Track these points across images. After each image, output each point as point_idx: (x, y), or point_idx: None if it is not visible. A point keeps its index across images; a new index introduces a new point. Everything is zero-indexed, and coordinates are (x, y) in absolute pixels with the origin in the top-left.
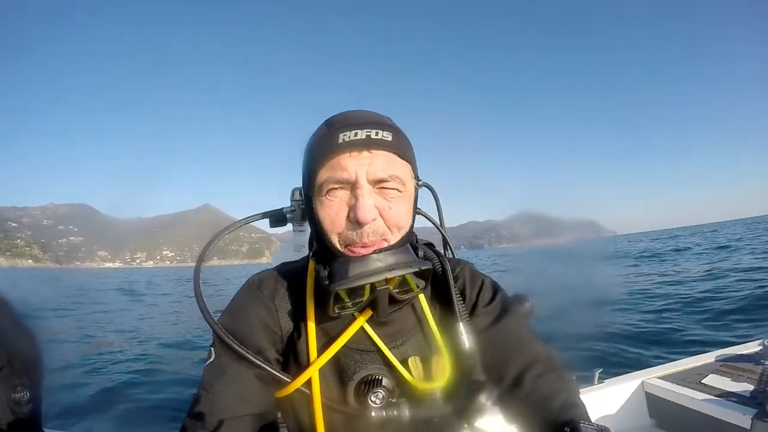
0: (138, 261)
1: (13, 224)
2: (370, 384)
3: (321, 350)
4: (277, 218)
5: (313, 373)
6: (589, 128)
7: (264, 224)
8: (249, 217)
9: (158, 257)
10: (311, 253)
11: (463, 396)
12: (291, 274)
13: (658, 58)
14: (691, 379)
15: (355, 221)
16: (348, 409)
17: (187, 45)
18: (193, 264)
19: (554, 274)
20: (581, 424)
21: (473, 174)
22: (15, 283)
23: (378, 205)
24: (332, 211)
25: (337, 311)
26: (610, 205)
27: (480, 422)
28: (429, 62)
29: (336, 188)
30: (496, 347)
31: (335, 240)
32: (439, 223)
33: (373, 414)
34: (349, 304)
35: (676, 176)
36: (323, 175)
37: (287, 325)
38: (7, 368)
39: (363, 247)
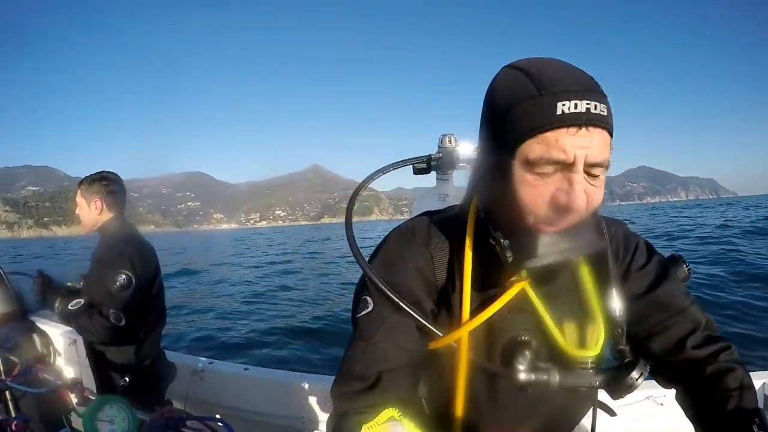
0: (252, 221)
1: (134, 194)
2: (518, 345)
3: (476, 309)
4: (423, 166)
5: (465, 332)
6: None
7: (373, 182)
8: (396, 162)
9: (271, 217)
10: (482, 214)
11: (613, 368)
12: (444, 224)
13: None
14: None
15: (563, 207)
16: (494, 368)
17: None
18: (305, 222)
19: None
20: None
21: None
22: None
23: (586, 190)
24: (536, 192)
25: (507, 283)
26: (732, 164)
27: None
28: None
29: (547, 167)
30: (653, 313)
31: (530, 218)
32: None
33: (521, 377)
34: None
35: None
36: (534, 149)
37: (442, 275)
38: (112, 258)
39: (555, 226)
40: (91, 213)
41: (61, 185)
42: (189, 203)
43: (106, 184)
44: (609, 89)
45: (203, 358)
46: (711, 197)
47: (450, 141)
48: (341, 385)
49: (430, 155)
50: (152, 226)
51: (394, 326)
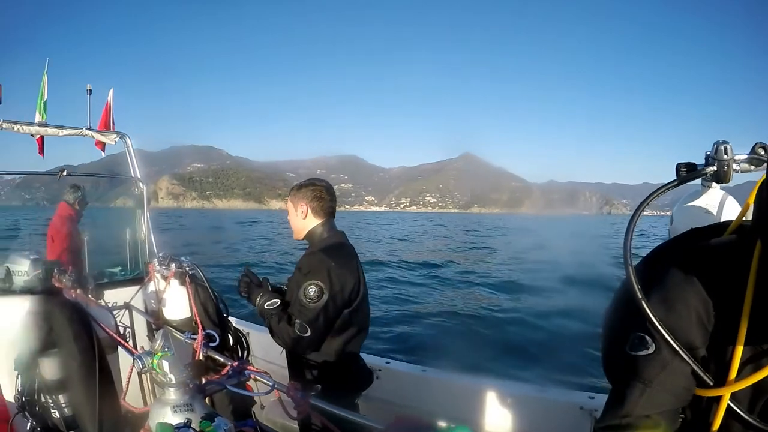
0: (402, 206)
1: (290, 174)
2: None
3: (747, 364)
4: (691, 174)
5: (736, 389)
6: None
7: (525, 173)
8: (668, 183)
9: (421, 203)
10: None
11: None
12: (723, 258)
13: None
14: None
15: None
16: (755, 422)
17: None
18: (455, 210)
19: None
20: None
21: None
22: None
23: None
24: None
25: None
26: None
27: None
28: None
29: None
30: None
31: None
32: None
33: None
34: None
35: None
36: None
37: (718, 321)
38: (310, 268)
39: None
40: (297, 218)
41: (224, 163)
42: (342, 184)
43: (313, 189)
44: None
45: (380, 358)
46: None
47: (726, 151)
48: (612, 419)
49: (703, 170)
50: None
51: (672, 372)
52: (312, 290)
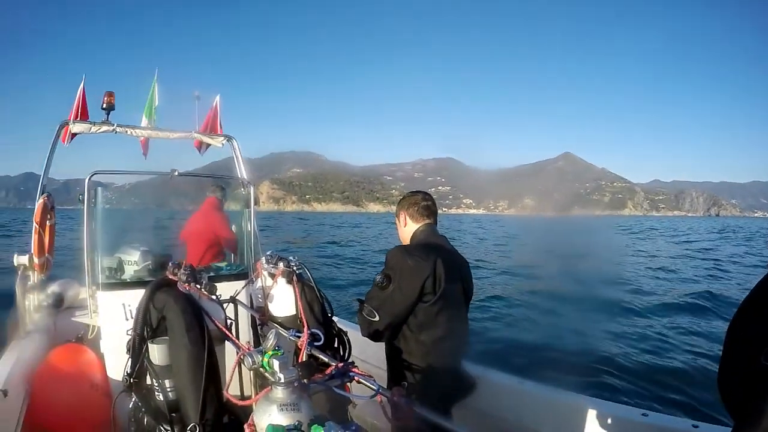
0: (500, 208)
1: (388, 178)
2: None
3: None
4: None
5: None
6: None
7: (628, 172)
8: None
9: (519, 205)
10: None
11: None
12: None
13: None
14: None
15: None
16: None
17: None
18: (553, 214)
19: None
20: None
21: None
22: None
23: None
24: None
25: None
26: None
27: None
28: None
29: None
30: None
31: None
32: None
33: None
34: None
35: None
36: None
37: None
38: (388, 257)
39: None
40: (401, 227)
41: (322, 168)
42: (439, 187)
43: (408, 198)
44: None
45: (476, 366)
46: None
47: None
48: None
49: None
50: None
51: None
52: (380, 277)
